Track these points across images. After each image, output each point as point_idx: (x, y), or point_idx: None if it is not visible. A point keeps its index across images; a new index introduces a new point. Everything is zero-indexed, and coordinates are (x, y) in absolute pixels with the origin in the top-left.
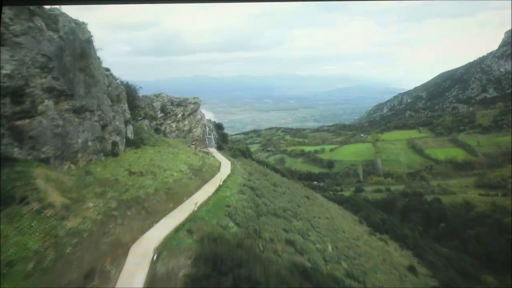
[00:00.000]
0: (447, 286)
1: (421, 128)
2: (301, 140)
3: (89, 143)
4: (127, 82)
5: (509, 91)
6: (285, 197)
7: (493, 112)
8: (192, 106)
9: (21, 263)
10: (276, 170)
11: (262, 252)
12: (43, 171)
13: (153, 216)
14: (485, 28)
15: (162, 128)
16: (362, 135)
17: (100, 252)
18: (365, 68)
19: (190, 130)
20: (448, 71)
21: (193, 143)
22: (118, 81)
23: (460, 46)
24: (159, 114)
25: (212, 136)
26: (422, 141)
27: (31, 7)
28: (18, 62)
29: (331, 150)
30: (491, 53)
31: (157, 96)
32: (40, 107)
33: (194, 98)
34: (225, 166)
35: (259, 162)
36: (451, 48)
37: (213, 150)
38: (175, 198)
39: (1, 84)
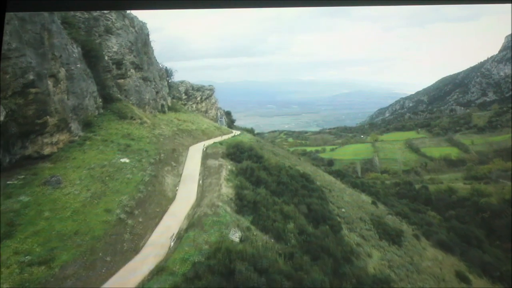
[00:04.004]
0: (398, 214)
1: (419, 129)
2: (303, 142)
3: (151, 101)
4: (166, 67)
5: (508, 94)
6: (282, 152)
7: (488, 113)
8: (208, 91)
9: (141, 139)
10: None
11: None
12: (135, 108)
13: (196, 139)
14: (489, 32)
15: (185, 107)
16: (362, 136)
17: (174, 144)
18: (368, 73)
19: (206, 111)
20: (450, 75)
21: None
22: (161, 64)
23: (464, 50)
24: (183, 96)
25: (223, 119)
26: (419, 141)
27: (123, 12)
28: (119, 45)
29: (332, 150)
30: (491, 57)
31: (181, 82)
32: (129, 73)
33: (209, 85)
34: (236, 132)
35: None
36: (455, 52)
37: None
38: (207, 135)
39: (112, 56)
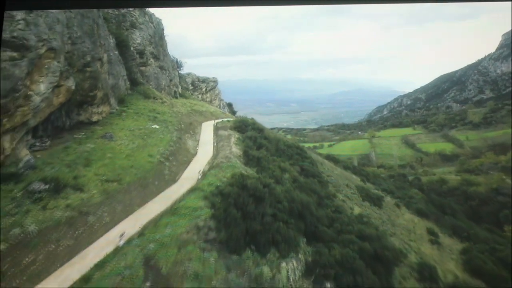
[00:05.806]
0: (383, 190)
1: (415, 125)
2: (301, 138)
3: (166, 87)
4: (177, 59)
5: (504, 92)
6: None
7: (484, 110)
8: (212, 83)
9: (164, 113)
10: None
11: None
12: (155, 90)
13: (207, 118)
14: (489, 30)
15: (192, 97)
16: (359, 133)
17: (191, 119)
18: (367, 71)
19: (211, 101)
20: (447, 73)
21: None
22: (172, 57)
23: (464, 48)
24: (190, 87)
25: (226, 109)
26: (415, 137)
27: (143, 9)
28: (142, 37)
29: (329, 146)
30: (488, 55)
31: (188, 74)
32: (149, 62)
33: (213, 77)
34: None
35: None
36: (455, 50)
37: None
38: (215, 116)
39: (136, 46)
